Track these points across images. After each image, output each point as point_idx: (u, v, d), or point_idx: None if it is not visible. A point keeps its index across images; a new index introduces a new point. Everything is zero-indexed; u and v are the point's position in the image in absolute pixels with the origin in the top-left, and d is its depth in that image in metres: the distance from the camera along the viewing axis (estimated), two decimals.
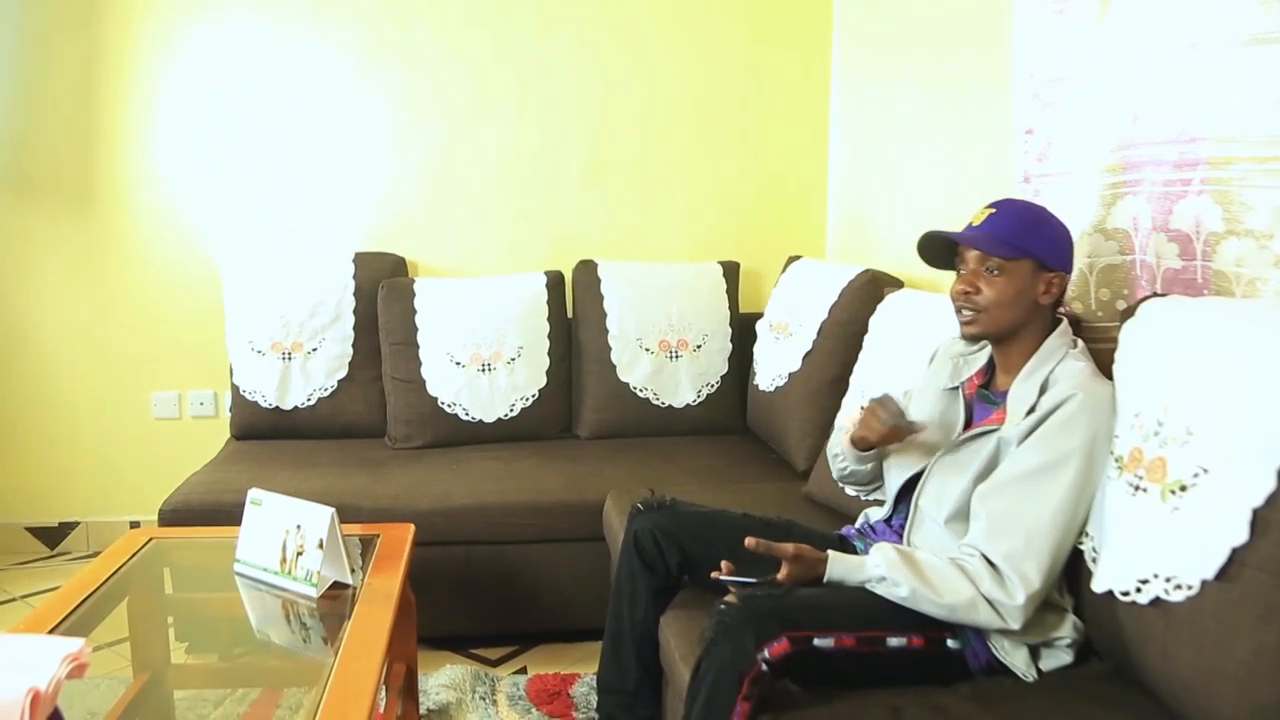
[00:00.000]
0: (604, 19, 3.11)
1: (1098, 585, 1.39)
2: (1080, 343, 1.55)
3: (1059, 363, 1.51)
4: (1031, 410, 1.47)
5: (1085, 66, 1.79)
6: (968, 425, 1.61)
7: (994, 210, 1.56)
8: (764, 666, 1.31)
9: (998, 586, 1.38)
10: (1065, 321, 1.58)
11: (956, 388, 1.67)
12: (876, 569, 1.45)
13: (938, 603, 1.39)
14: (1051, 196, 1.91)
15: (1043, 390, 1.48)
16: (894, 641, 1.41)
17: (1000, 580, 1.39)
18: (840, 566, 1.49)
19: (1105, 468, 1.44)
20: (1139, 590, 1.31)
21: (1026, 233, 1.52)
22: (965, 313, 1.56)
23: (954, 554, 1.45)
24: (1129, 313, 1.54)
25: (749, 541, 1.53)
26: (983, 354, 1.67)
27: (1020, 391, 1.51)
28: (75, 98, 2.96)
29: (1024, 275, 1.51)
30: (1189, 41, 1.53)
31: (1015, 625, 1.38)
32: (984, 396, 1.62)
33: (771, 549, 1.52)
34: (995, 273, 1.52)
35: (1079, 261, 1.80)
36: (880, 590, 1.44)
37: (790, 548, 1.51)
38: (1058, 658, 1.45)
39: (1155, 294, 1.57)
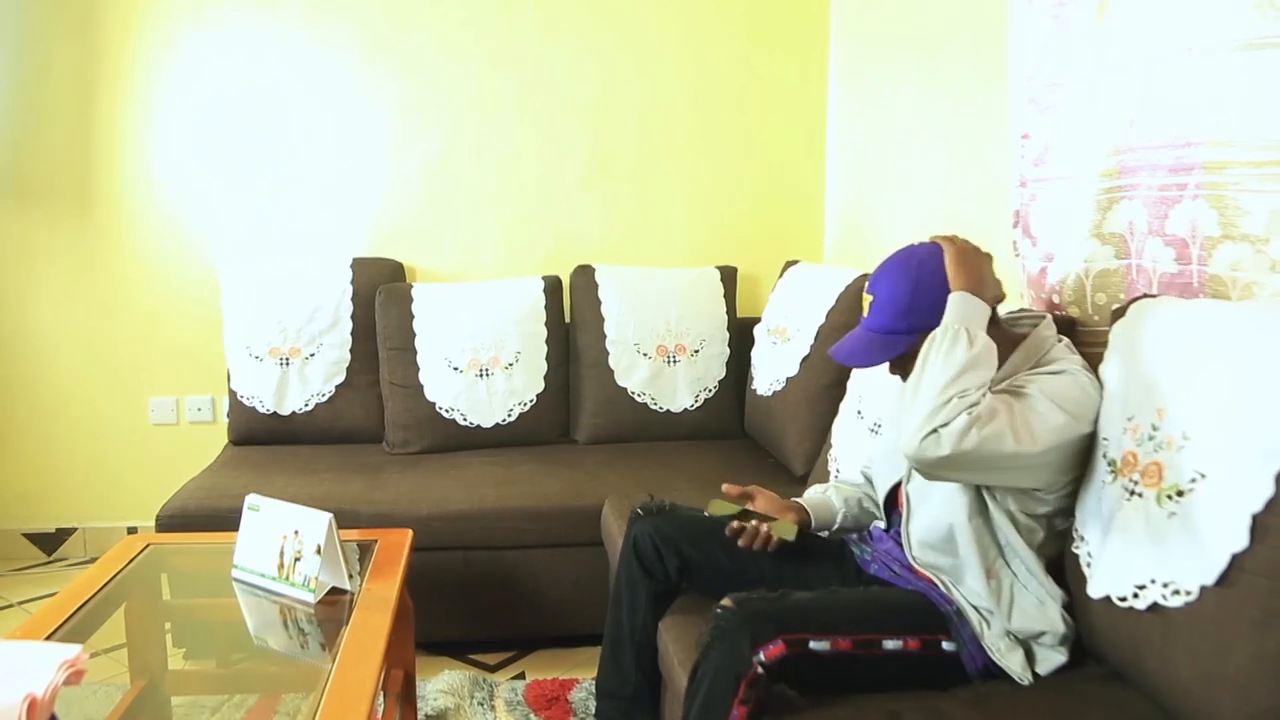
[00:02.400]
0: (602, 22, 3.12)
1: (1094, 591, 1.39)
2: (1065, 339, 1.55)
3: (1046, 353, 1.52)
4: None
5: (1082, 71, 1.80)
6: None
7: (873, 297, 1.57)
8: (760, 669, 1.31)
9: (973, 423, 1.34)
10: (1049, 317, 1.57)
11: None
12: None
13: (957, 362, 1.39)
14: (1048, 201, 1.91)
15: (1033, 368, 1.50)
16: (889, 644, 1.41)
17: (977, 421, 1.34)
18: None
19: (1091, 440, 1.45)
20: (1136, 596, 1.31)
21: (908, 311, 1.51)
22: None
23: (963, 504, 1.47)
24: (1119, 313, 1.54)
25: (726, 488, 1.74)
26: None
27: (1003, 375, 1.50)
28: (74, 102, 2.96)
29: None
30: (1185, 46, 1.53)
31: (945, 449, 1.34)
32: None
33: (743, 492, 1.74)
34: (907, 357, 1.52)
35: (1076, 266, 1.80)
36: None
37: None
38: (1051, 659, 1.44)
39: (1145, 295, 1.57)
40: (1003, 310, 1.62)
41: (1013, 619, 1.44)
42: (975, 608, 1.47)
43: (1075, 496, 1.49)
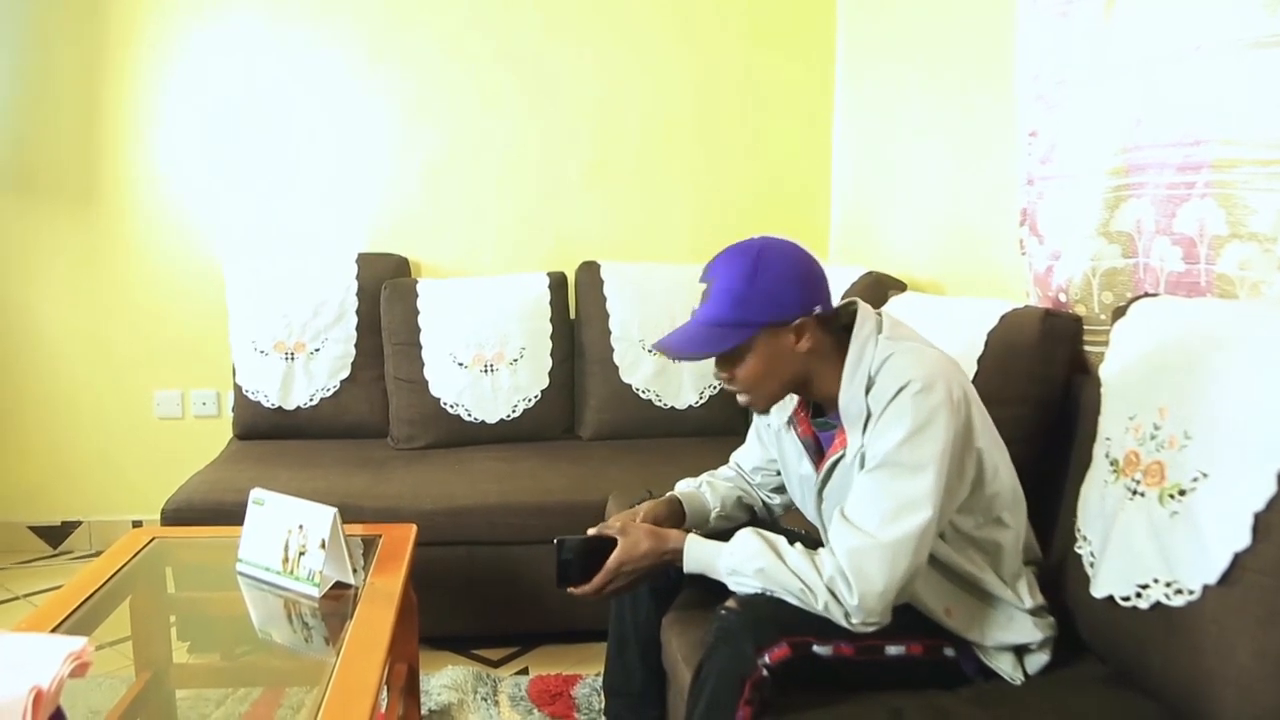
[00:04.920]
0: (605, 20, 3.11)
1: (1097, 591, 1.39)
2: (886, 320, 1.43)
3: (874, 356, 1.39)
4: (867, 416, 1.38)
5: (1089, 69, 1.79)
6: (822, 458, 1.51)
7: (707, 284, 1.42)
8: (765, 671, 1.30)
9: (840, 580, 1.31)
10: (859, 305, 1.45)
11: (790, 425, 1.57)
12: (731, 558, 1.41)
13: (790, 591, 1.34)
14: (1055, 199, 1.91)
15: (869, 387, 1.38)
16: (892, 650, 1.39)
17: (845, 577, 1.31)
18: (698, 553, 1.48)
19: (972, 447, 1.37)
20: (1139, 596, 1.31)
21: (743, 303, 1.38)
22: (738, 396, 1.47)
23: None
24: (1120, 312, 1.53)
25: (590, 531, 1.60)
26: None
27: (849, 407, 1.41)
28: (78, 98, 2.97)
29: (766, 343, 1.40)
30: (1192, 44, 1.53)
31: (855, 620, 1.32)
32: (822, 425, 1.52)
33: (603, 531, 1.57)
34: (735, 355, 1.42)
35: (1083, 264, 1.80)
36: (731, 585, 1.42)
37: (618, 524, 1.56)
38: (1037, 659, 1.43)
39: (1146, 294, 1.57)
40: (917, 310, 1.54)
41: (987, 637, 1.42)
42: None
43: (1008, 471, 1.44)
